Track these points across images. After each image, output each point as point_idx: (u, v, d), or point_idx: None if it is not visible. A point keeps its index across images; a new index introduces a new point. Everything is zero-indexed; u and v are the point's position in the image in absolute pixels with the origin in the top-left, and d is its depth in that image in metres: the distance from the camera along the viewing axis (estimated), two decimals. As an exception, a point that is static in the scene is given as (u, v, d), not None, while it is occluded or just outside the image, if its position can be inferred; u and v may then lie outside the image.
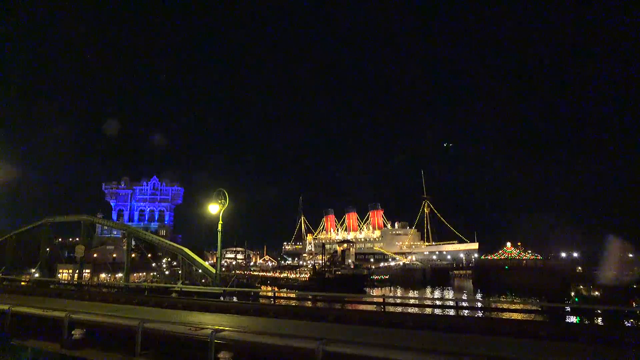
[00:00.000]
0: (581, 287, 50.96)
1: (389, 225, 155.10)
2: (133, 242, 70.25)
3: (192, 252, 63.87)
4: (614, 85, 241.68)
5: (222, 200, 26.40)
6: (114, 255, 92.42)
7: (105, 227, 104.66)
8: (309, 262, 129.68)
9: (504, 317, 20.70)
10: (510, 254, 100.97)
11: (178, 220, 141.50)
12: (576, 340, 11.16)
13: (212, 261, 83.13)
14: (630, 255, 65.20)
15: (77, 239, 70.04)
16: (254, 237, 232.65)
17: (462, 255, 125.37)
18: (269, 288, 79.25)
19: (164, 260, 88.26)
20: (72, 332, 12.59)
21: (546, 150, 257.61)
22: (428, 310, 19.49)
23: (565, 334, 11.82)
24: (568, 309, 20.28)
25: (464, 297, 72.87)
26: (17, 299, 19.83)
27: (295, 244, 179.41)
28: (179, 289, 29.06)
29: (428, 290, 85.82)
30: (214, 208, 26.44)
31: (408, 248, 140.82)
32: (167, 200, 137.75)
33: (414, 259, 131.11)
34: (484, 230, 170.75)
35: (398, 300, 37.69)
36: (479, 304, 36.50)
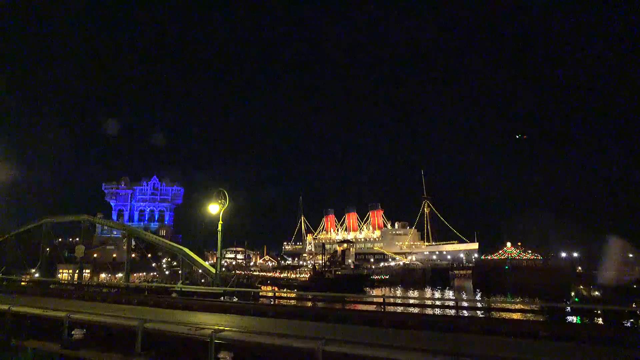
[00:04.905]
0: (581, 287, 50.93)
1: (389, 225, 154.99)
2: (133, 242, 70.31)
3: (192, 252, 63.92)
4: (615, 85, 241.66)
5: (222, 200, 26.40)
6: (114, 255, 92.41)
7: (105, 227, 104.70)
8: (309, 262, 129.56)
9: (504, 317, 20.70)
10: (510, 254, 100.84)
11: (178, 220, 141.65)
12: (576, 340, 11.15)
13: (212, 261, 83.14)
14: (630, 255, 65.20)
15: (77, 239, 70.05)
16: (254, 237, 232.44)
17: (462, 255, 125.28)
18: (269, 288, 79.16)
19: (164, 260, 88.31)
20: (72, 332, 12.59)
21: (546, 150, 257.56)
22: (428, 310, 19.48)
23: (565, 334, 11.82)
24: (568, 309, 20.25)
25: (464, 297, 72.83)
26: (17, 299, 19.84)
27: (295, 244, 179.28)
28: (179, 289, 29.08)
29: (428, 290, 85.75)
30: (214, 208, 26.44)
31: (408, 248, 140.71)
32: (167, 200, 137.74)
33: (414, 259, 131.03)
34: (484, 230, 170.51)
35: (398, 300, 37.70)
36: (479, 304, 36.50)
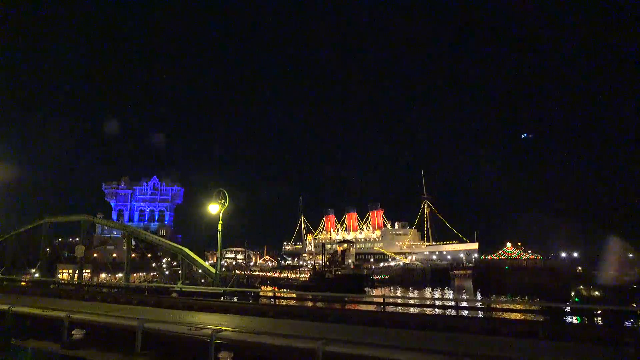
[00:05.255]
0: (581, 287, 50.92)
1: (389, 225, 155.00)
2: (133, 242, 70.28)
3: (192, 252, 63.92)
4: (614, 84, 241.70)
5: (222, 200, 26.38)
6: (114, 255, 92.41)
7: (105, 227, 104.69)
8: (309, 262, 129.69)
9: (504, 317, 20.70)
10: (510, 254, 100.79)
11: (178, 220, 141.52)
12: (576, 340, 11.15)
13: (212, 261, 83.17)
14: (630, 255, 65.21)
15: (77, 239, 70.00)
16: (254, 237, 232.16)
17: (462, 255, 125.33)
18: (269, 288, 79.22)
19: (164, 260, 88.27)
20: (72, 332, 12.59)
21: (546, 150, 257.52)
22: (428, 310, 19.48)
23: (565, 334, 11.82)
24: (568, 309, 20.26)
25: (464, 297, 72.84)
26: (17, 299, 19.82)
27: (295, 244, 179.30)
28: (179, 289, 29.08)
29: (428, 290, 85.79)
30: (214, 208, 26.43)
31: (408, 248, 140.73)
32: (167, 200, 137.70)
33: (414, 259, 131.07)
34: (484, 230, 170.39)
35: (398, 300, 37.64)
36: (479, 304, 36.46)
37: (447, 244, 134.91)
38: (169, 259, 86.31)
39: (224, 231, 26.50)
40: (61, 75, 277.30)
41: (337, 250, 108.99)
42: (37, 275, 58.92)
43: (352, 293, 51.56)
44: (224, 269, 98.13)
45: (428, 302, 31.43)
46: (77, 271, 61.94)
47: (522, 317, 21.02)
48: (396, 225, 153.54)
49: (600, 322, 15.84)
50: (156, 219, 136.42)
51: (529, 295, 62.32)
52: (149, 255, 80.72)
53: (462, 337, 11.56)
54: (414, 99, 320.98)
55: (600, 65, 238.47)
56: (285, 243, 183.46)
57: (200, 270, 60.97)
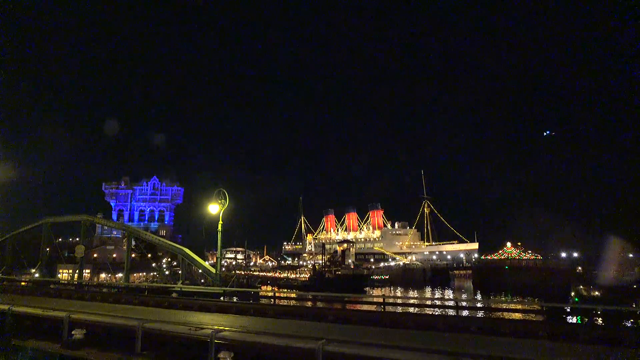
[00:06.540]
0: (581, 287, 50.99)
1: (389, 225, 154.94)
2: (133, 242, 70.17)
3: (192, 252, 63.84)
4: (614, 84, 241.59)
5: (222, 200, 26.42)
6: (114, 255, 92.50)
7: (105, 227, 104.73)
8: (309, 262, 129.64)
9: (503, 317, 20.70)
10: (510, 254, 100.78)
11: (178, 220, 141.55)
12: (576, 340, 11.15)
13: (212, 261, 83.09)
14: (630, 255, 65.24)
15: (77, 239, 69.99)
16: (254, 237, 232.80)
17: (462, 255, 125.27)
18: (269, 288, 79.22)
19: (164, 260, 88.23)
20: (72, 332, 12.59)
21: (546, 150, 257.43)
22: (428, 310, 19.49)
23: (565, 334, 11.81)
24: (568, 309, 20.25)
25: (464, 297, 72.81)
26: (17, 299, 19.82)
27: (295, 244, 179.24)
28: (179, 289, 29.08)
29: (428, 290, 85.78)
30: (214, 208, 26.46)
31: (408, 248, 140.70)
32: (167, 200, 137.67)
33: (414, 259, 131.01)
34: (484, 230, 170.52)
35: (398, 300, 37.65)
36: (479, 304, 36.49)
37: (447, 244, 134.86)
38: (169, 259, 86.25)
39: (224, 231, 26.54)
40: (61, 75, 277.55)
41: (337, 250, 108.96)
42: (37, 275, 58.88)
43: (352, 293, 51.54)
44: (224, 269, 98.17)
45: (428, 302, 31.40)
46: (77, 271, 61.88)
47: (522, 317, 21.03)
48: (396, 225, 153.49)
49: (600, 322, 15.85)
50: (156, 219, 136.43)
51: (529, 295, 62.34)
52: (149, 255, 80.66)
53: (462, 337, 11.56)
54: (414, 99, 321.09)
55: (602, 64, 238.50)
56: (285, 243, 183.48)
57: (200, 270, 60.90)
